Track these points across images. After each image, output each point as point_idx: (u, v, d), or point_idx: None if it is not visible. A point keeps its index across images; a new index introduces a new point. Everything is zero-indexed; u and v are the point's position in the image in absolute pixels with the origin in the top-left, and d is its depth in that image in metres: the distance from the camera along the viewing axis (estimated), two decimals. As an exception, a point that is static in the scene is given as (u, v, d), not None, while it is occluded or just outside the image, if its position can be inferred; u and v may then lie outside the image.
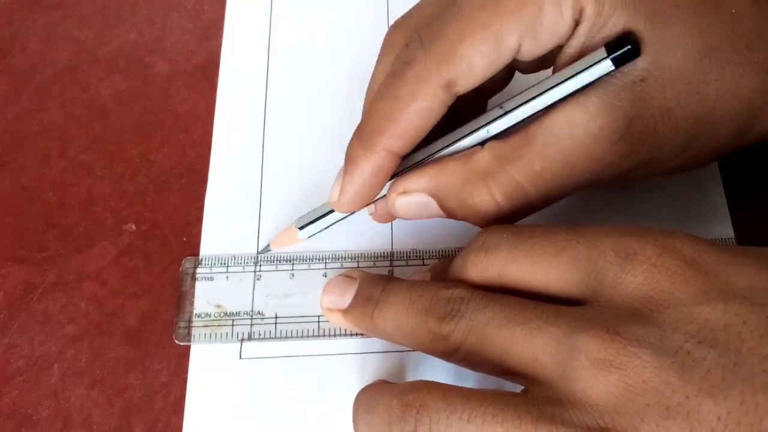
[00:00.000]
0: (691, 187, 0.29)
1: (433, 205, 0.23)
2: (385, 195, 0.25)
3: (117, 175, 0.31)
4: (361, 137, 0.23)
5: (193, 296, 0.27)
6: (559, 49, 0.22)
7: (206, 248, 0.29)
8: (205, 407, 0.26)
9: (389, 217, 0.26)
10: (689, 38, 0.20)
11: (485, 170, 0.22)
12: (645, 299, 0.18)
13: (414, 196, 0.23)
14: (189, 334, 0.27)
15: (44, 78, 0.33)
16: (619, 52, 0.20)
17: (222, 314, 0.27)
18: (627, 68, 0.20)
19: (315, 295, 0.26)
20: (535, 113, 0.22)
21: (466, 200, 0.22)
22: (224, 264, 0.28)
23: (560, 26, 0.21)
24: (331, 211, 0.26)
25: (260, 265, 0.28)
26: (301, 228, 0.26)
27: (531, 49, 0.21)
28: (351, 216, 0.26)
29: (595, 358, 0.17)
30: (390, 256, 0.28)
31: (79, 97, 0.32)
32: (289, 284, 0.28)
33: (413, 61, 0.22)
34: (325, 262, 0.28)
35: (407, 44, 0.22)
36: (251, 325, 0.27)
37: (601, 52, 0.20)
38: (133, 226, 0.29)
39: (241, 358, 0.27)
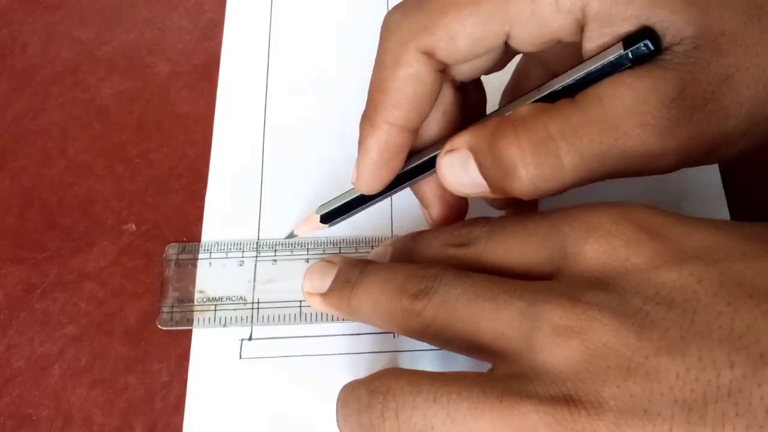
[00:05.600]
0: (688, 175, 0.29)
1: (472, 166, 0.21)
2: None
3: (117, 175, 0.31)
4: (365, 115, 0.23)
5: (176, 282, 0.28)
6: (571, 45, 0.21)
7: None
8: (205, 407, 0.26)
9: (442, 207, 0.25)
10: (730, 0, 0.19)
11: (519, 118, 0.20)
12: (603, 267, 0.18)
13: (457, 154, 0.22)
14: (172, 318, 0.27)
15: (44, 78, 0.33)
16: (635, 47, 0.19)
17: (205, 299, 0.27)
18: (678, 38, 0.19)
19: (297, 281, 0.27)
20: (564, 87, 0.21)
21: (496, 153, 0.21)
22: (207, 250, 0.28)
23: (555, 19, 0.20)
24: (354, 200, 0.25)
25: (243, 252, 0.28)
26: (323, 219, 0.26)
27: (525, 39, 0.21)
28: (372, 206, 0.25)
29: (557, 325, 0.17)
30: (371, 243, 0.28)
31: (79, 97, 0.32)
32: (272, 270, 0.28)
33: (395, 28, 0.22)
34: (308, 249, 0.28)
35: (391, 18, 0.22)
36: (234, 310, 0.27)
37: (618, 47, 0.19)
38: (133, 226, 0.29)
39: (241, 358, 0.27)
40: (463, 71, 0.23)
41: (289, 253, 0.28)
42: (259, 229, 0.29)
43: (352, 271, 0.23)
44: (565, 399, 0.17)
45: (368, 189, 0.24)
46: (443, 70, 0.22)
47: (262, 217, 0.29)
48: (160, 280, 0.28)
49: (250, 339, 0.27)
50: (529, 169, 0.20)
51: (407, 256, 0.24)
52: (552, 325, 0.18)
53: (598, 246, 0.18)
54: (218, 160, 0.31)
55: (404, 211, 0.29)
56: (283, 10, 0.34)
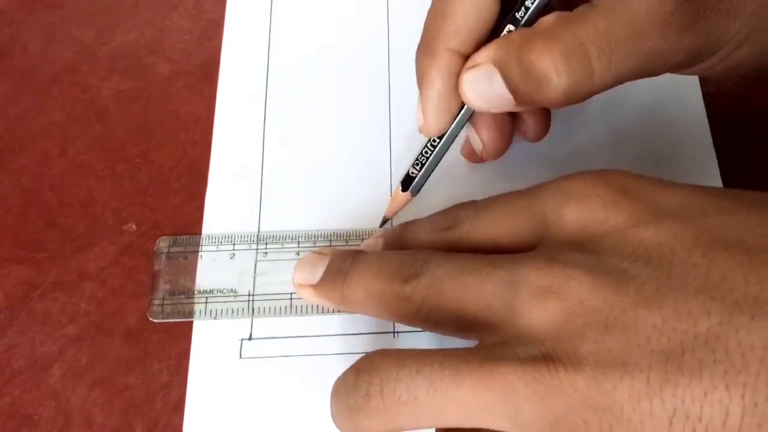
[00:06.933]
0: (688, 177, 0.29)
1: (498, 81, 0.22)
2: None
3: (117, 175, 0.31)
4: (421, 47, 0.23)
5: (167, 275, 0.28)
6: None
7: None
8: (205, 407, 0.26)
9: (506, 142, 0.26)
10: None
11: (547, 30, 0.21)
12: (582, 230, 0.19)
13: (481, 69, 0.22)
14: (163, 311, 0.27)
15: (44, 78, 0.33)
16: None
17: (196, 292, 0.27)
18: None
19: (288, 273, 0.27)
20: None
21: (527, 65, 0.21)
22: (198, 243, 0.28)
23: None
24: (426, 159, 0.25)
25: (234, 245, 0.28)
26: (404, 189, 0.26)
27: None
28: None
29: (535, 287, 0.18)
30: (361, 235, 0.28)
31: (79, 97, 0.32)
32: (263, 263, 0.28)
33: None
34: (298, 241, 0.28)
35: None
36: (225, 302, 0.27)
37: None
38: (134, 226, 0.29)
39: (241, 358, 0.27)
40: None
41: (279, 245, 0.28)
42: (258, 229, 0.29)
43: (343, 261, 0.23)
44: (544, 357, 0.17)
45: (437, 126, 0.24)
46: None
47: (261, 217, 0.29)
48: (151, 273, 0.28)
49: (250, 339, 0.27)
50: (562, 77, 0.20)
51: (398, 245, 0.24)
52: (530, 287, 0.18)
53: (576, 210, 0.19)
54: (218, 160, 0.31)
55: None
56: (283, 10, 0.34)
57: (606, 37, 0.20)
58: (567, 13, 0.21)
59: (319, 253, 0.25)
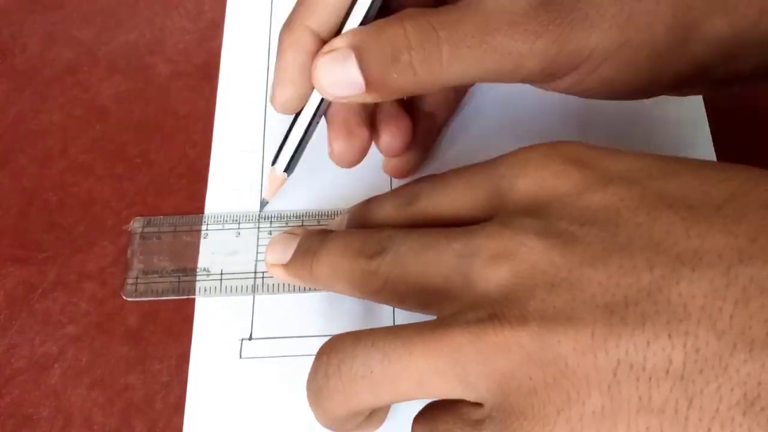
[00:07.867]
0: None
1: (352, 64, 0.22)
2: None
3: (117, 175, 0.31)
4: (285, 22, 0.24)
5: (141, 254, 0.28)
6: None
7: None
8: (205, 407, 0.26)
9: (355, 152, 0.26)
10: None
11: (403, 14, 0.22)
12: (533, 198, 0.19)
13: (336, 53, 0.22)
14: (136, 290, 0.28)
15: (44, 78, 0.33)
16: None
17: (170, 271, 0.28)
18: None
19: (260, 252, 0.27)
20: None
21: (382, 42, 0.22)
22: (172, 224, 0.29)
23: None
24: (294, 136, 0.26)
25: (207, 225, 0.29)
26: (273, 164, 0.26)
27: None
28: (311, 140, 0.26)
29: (487, 256, 0.18)
30: (333, 215, 0.29)
31: (79, 98, 0.32)
32: (235, 242, 0.28)
33: None
34: (271, 221, 0.29)
35: None
36: (197, 281, 0.28)
37: None
38: (134, 226, 0.29)
39: (241, 358, 0.27)
40: None
41: (252, 225, 0.29)
42: (258, 229, 0.29)
43: (313, 240, 0.24)
44: (490, 317, 0.17)
45: (281, 99, 0.24)
46: None
47: (262, 218, 0.29)
48: (126, 253, 0.28)
49: (250, 339, 0.27)
50: (412, 53, 0.21)
51: (362, 221, 0.25)
52: (483, 256, 0.18)
53: (530, 179, 0.19)
54: (218, 161, 0.31)
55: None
56: (283, 10, 0.34)
57: (456, 26, 0.21)
58: (426, 8, 0.22)
59: (290, 233, 0.25)
